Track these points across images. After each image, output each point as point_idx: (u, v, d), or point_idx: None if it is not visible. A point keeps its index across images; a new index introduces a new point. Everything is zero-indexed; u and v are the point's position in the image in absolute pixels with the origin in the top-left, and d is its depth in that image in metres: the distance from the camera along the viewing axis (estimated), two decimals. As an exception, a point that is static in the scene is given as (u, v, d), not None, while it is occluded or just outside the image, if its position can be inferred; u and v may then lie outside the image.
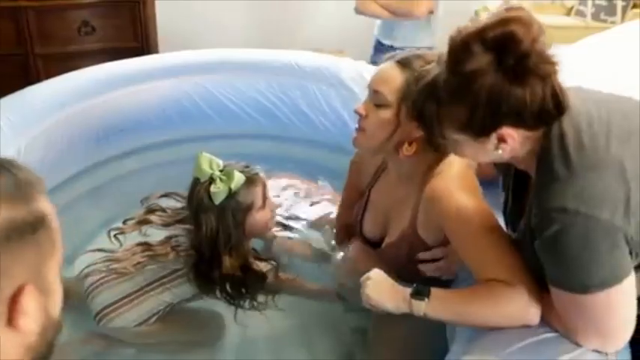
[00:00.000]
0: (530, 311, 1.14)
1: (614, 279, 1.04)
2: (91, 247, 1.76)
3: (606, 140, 1.07)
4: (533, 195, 1.13)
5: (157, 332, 1.62)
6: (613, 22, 3.62)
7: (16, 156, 1.91)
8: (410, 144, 1.36)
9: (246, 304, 1.61)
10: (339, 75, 2.41)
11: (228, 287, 1.58)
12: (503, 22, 1.02)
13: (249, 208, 1.58)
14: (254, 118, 2.49)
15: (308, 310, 1.79)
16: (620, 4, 3.68)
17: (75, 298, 1.67)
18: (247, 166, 1.60)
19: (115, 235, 1.66)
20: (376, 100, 1.38)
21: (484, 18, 1.08)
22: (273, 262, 1.67)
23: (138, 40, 3.28)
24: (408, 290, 1.23)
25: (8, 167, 0.62)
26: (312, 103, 2.44)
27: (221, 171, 1.55)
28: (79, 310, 1.68)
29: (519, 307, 1.15)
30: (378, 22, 3.00)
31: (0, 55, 3.02)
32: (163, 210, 1.69)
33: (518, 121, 1.06)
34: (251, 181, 1.58)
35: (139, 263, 1.60)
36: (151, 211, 1.68)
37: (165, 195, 1.74)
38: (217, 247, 1.55)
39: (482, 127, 1.07)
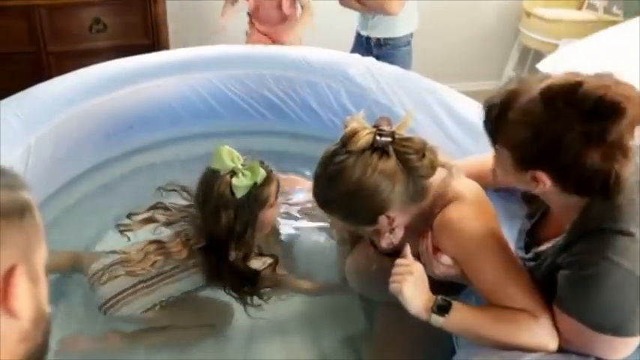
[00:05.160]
0: (550, 344, 1.16)
1: (628, 331, 1.07)
2: (102, 249, 1.78)
3: None
4: (573, 236, 1.13)
5: (164, 317, 1.65)
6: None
7: (26, 153, 1.93)
8: (391, 232, 1.35)
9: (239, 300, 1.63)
10: (347, 71, 2.40)
11: (230, 283, 1.60)
12: (626, 95, 1.00)
13: (264, 204, 1.59)
14: (262, 114, 2.49)
15: (315, 301, 1.81)
16: (633, -2, 3.63)
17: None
18: (263, 162, 1.60)
19: (122, 232, 1.68)
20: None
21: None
22: (270, 259, 1.67)
23: (149, 37, 3.29)
24: (432, 301, 1.23)
25: None
26: (322, 100, 2.43)
27: (242, 165, 1.55)
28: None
29: (542, 339, 1.16)
30: (357, 13, 2.98)
31: (13, 53, 3.05)
32: (167, 208, 1.70)
33: (558, 177, 1.07)
34: (269, 177, 1.58)
35: (155, 262, 1.61)
36: (155, 208, 1.69)
37: (175, 190, 1.74)
38: (229, 240, 1.56)
39: (524, 159, 1.10)
